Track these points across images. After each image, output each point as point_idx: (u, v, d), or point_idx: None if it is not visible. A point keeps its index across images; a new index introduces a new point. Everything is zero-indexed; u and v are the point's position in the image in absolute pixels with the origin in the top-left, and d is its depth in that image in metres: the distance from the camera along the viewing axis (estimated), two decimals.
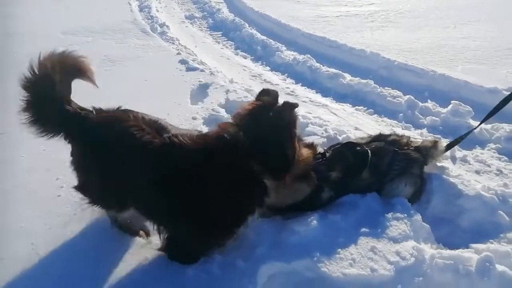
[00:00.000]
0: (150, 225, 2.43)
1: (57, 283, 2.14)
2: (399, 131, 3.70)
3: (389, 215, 2.47)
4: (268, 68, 6.01)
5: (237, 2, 9.70)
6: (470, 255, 2.27)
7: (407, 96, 4.48)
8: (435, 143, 2.91)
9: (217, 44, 7.25)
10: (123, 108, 2.41)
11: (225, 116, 3.88)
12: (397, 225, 2.41)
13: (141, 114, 2.32)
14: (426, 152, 2.83)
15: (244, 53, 6.66)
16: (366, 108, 4.53)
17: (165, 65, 5.66)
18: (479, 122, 3.29)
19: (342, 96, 4.92)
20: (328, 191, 2.56)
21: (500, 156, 3.47)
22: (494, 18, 7.53)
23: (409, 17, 8.03)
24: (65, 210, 2.61)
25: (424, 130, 3.96)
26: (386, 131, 3.34)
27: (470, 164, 3.32)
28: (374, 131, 3.46)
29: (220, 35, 7.73)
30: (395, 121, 4.21)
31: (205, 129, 3.65)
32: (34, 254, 2.30)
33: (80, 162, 2.33)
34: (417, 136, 3.65)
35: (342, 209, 2.51)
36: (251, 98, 3.89)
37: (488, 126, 3.83)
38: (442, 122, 4.04)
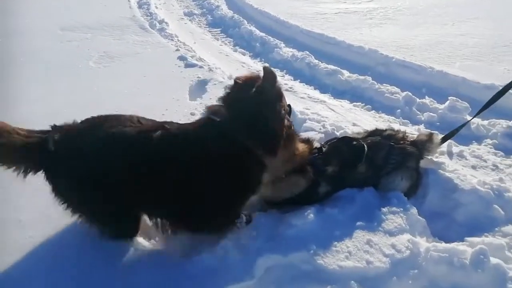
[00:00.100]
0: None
1: (54, 273, 2.16)
2: (397, 127, 3.72)
3: (385, 209, 2.49)
4: (267, 64, 6.01)
5: None
6: (465, 248, 2.29)
7: (405, 93, 4.50)
8: (430, 137, 2.94)
9: (216, 40, 7.26)
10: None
11: None
12: (393, 219, 2.44)
13: (113, 115, 2.30)
14: (422, 146, 2.85)
15: (243, 50, 6.67)
16: (364, 104, 4.55)
17: (164, 62, 5.67)
18: (474, 115, 3.32)
19: (340, 92, 4.94)
20: (324, 185, 2.59)
21: (497, 151, 3.49)
22: (493, 16, 7.55)
23: (407, 14, 8.04)
24: None
25: (422, 126, 3.97)
26: (383, 127, 3.35)
27: (466, 159, 3.34)
28: (371, 127, 3.47)
29: (219, 32, 7.74)
30: (393, 117, 4.23)
31: None
32: (32, 245, 2.32)
33: (71, 188, 2.19)
34: (415, 132, 3.67)
35: (339, 203, 2.53)
36: None
37: (485, 122, 3.86)
38: (439, 118, 4.07)
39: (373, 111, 4.41)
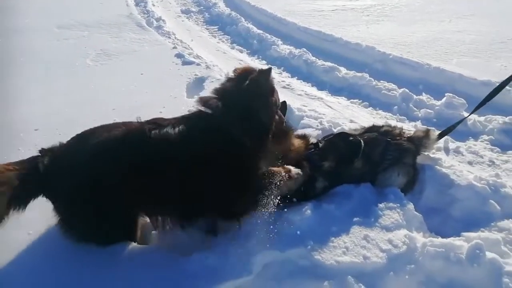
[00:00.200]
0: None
1: (53, 272, 2.16)
2: (394, 123, 3.73)
3: (382, 204, 2.51)
4: (264, 62, 6.03)
5: None
6: (461, 243, 2.30)
7: (402, 89, 4.51)
8: (427, 133, 2.95)
9: (213, 38, 7.25)
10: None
11: None
12: (390, 214, 2.45)
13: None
14: (419, 142, 2.87)
15: (240, 47, 6.67)
16: (361, 101, 4.56)
17: (161, 59, 5.67)
18: (471, 112, 3.33)
19: (338, 89, 4.95)
20: (321, 180, 2.60)
21: (493, 147, 3.51)
22: (489, 12, 7.56)
23: (404, 11, 8.06)
24: None
25: (418, 123, 3.99)
26: (380, 123, 3.37)
27: (463, 155, 3.35)
28: (369, 124, 3.48)
29: (216, 29, 7.73)
30: (390, 114, 4.25)
31: None
32: (31, 244, 2.32)
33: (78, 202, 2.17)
34: (412, 129, 3.69)
35: (336, 199, 2.55)
36: None
37: (482, 118, 3.88)
38: (436, 115, 4.08)
39: (370, 107, 4.43)
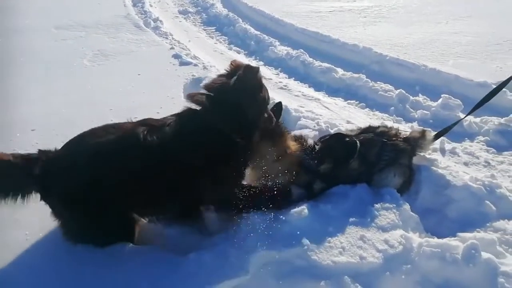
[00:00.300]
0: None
1: (52, 272, 2.16)
2: (390, 124, 3.75)
3: (378, 205, 2.51)
4: (261, 63, 6.04)
5: None
6: (457, 243, 2.31)
7: (399, 90, 4.54)
8: (423, 133, 2.96)
9: (210, 39, 7.26)
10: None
11: None
12: (386, 215, 2.46)
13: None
14: (415, 143, 2.88)
15: (237, 48, 6.68)
16: (358, 102, 4.58)
17: (159, 60, 5.68)
18: (467, 113, 3.35)
19: (335, 90, 4.97)
20: (318, 183, 2.60)
21: (488, 148, 3.53)
22: (486, 14, 7.60)
23: (402, 13, 8.09)
24: None
25: (415, 123, 4.01)
26: (377, 124, 3.38)
27: (459, 156, 3.37)
28: (365, 125, 3.50)
29: (213, 30, 7.74)
30: (387, 115, 4.27)
31: None
32: (29, 245, 2.33)
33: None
34: (408, 129, 3.70)
35: (332, 199, 2.55)
36: None
37: (477, 119, 3.90)
38: (432, 116, 4.10)
39: (367, 108, 4.44)
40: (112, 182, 2.14)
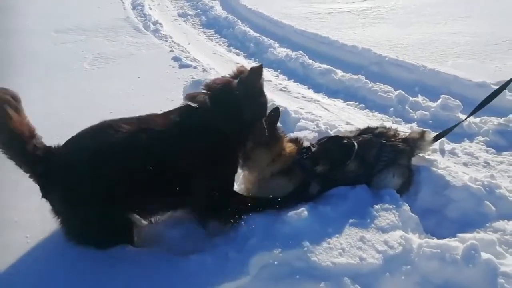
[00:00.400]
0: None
1: (51, 274, 2.17)
2: (389, 125, 3.75)
3: (378, 206, 2.51)
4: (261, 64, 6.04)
5: None
6: (457, 244, 2.31)
7: (398, 91, 4.54)
8: (422, 134, 2.97)
9: (210, 41, 7.28)
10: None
11: None
12: (386, 216, 2.46)
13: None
14: (414, 144, 2.88)
15: (237, 50, 6.70)
16: (357, 103, 4.59)
17: (158, 62, 5.70)
18: (468, 116, 3.35)
19: (334, 91, 4.98)
20: (315, 185, 2.61)
21: (488, 148, 3.53)
22: (485, 14, 7.60)
23: (401, 14, 8.10)
24: None
25: (414, 124, 4.01)
26: (375, 125, 3.39)
27: (458, 156, 3.38)
28: (364, 126, 3.51)
29: (213, 33, 7.76)
30: (386, 116, 4.28)
31: None
32: (29, 246, 2.33)
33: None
34: (407, 130, 3.71)
35: (332, 200, 2.55)
36: None
37: (477, 120, 3.90)
38: (432, 116, 4.11)
39: (367, 110, 4.45)
40: (112, 179, 2.16)
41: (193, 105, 2.35)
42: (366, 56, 5.71)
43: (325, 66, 5.47)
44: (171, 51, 6.16)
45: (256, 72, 2.36)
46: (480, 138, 3.68)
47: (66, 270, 2.20)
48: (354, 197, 2.57)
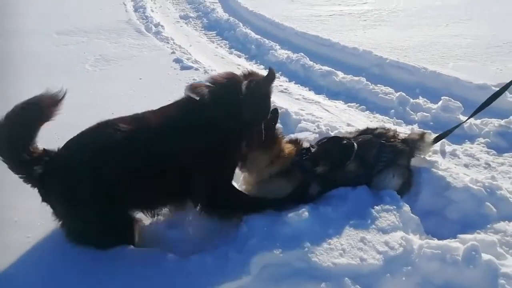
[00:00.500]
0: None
1: (52, 274, 2.18)
2: (388, 126, 3.76)
3: (379, 206, 2.51)
4: (262, 66, 6.06)
5: (231, 2, 9.73)
6: (457, 245, 2.30)
7: (399, 93, 4.54)
8: (422, 136, 2.97)
9: (211, 43, 7.29)
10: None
11: None
12: (386, 217, 2.46)
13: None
14: (413, 144, 2.88)
15: (238, 52, 6.71)
16: (358, 105, 4.59)
17: (160, 64, 5.71)
18: (468, 117, 3.36)
19: (335, 93, 4.98)
20: (315, 186, 2.61)
21: (489, 150, 3.53)
22: (486, 17, 7.61)
23: (402, 16, 8.10)
24: None
25: (415, 126, 4.01)
26: (375, 125, 3.39)
27: (459, 158, 3.38)
28: (365, 127, 3.52)
29: (214, 35, 7.77)
30: (387, 117, 4.28)
31: None
32: (29, 246, 2.34)
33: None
34: (408, 132, 3.71)
35: (332, 201, 2.56)
36: None
37: (478, 121, 3.90)
38: (433, 118, 4.11)
39: (367, 111, 4.45)
40: (112, 179, 2.17)
41: (195, 97, 2.33)
42: (367, 58, 5.71)
43: (326, 68, 5.47)
44: (173, 53, 6.17)
45: (268, 79, 2.37)
46: (481, 140, 3.68)
47: (66, 270, 2.20)
48: (354, 198, 2.57)
